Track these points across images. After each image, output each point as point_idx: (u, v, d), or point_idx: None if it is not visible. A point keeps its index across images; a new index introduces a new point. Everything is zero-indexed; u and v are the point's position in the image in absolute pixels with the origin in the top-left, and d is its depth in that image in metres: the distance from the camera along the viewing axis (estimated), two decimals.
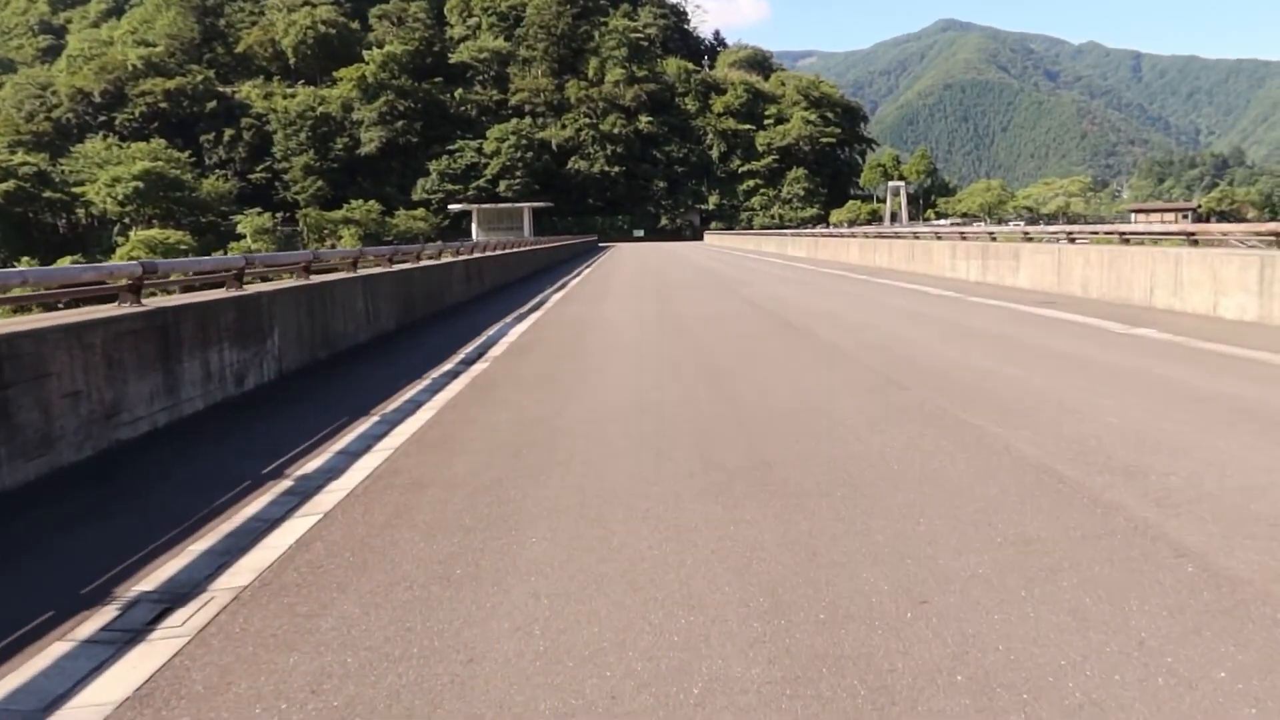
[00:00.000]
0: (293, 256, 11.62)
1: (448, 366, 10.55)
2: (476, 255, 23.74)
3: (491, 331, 14.08)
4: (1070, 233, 18.65)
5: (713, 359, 10.34)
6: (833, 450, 5.96)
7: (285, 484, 5.71)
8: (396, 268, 15.46)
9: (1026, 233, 21.11)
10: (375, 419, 7.64)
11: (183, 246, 72.40)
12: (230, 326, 8.79)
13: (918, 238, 29.14)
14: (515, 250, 30.97)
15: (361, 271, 13.56)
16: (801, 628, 3.37)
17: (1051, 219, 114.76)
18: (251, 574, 4.16)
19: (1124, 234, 16.78)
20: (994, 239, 22.06)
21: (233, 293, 9.35)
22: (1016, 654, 3.11)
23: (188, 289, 10.23)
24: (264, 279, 11.40)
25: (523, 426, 7.06)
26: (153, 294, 8.59)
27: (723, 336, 12.47)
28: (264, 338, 9.56)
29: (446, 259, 19.97)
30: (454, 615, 3.60)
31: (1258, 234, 13.89)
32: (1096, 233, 18.51)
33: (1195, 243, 14.25)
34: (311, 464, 6.19)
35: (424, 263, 17.48)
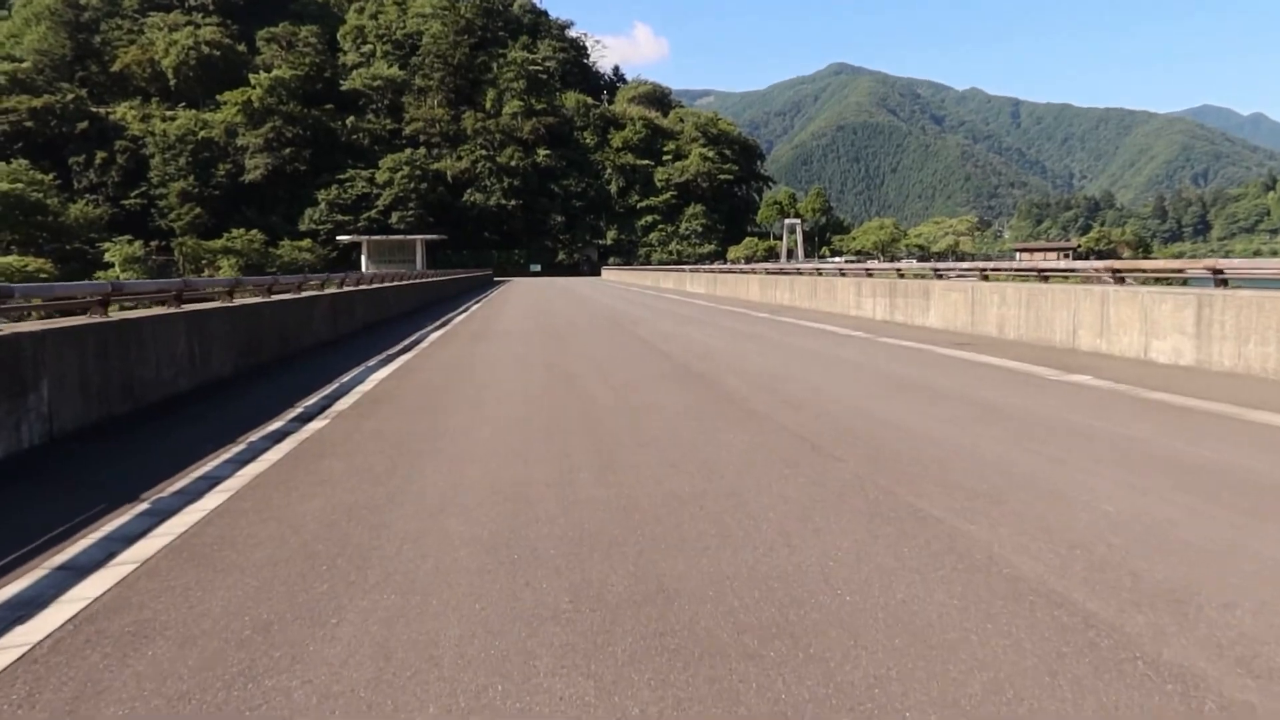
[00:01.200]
0: (81, 288, 9.43)
1: (276, 425, 8.54)
2: (348, 289, 21.52)
3: (347, 378, 12.06)
4: (983, 269, 17.68)
5: (600, 421, 8.58)
6: (756, 565, 4.28)
7: None
8: (238, 302, 13.29)
9: (937, 269, 20.12)
10: (142, 508, 5.65)
11: (43, 275, 66.92)
12: None
13: (820, 274, 28.13)
14: (396, 284, 28.69)
15: (187, 307, 11.40)
16: None
17: (942, 256, 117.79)
18: None
19: (1043, 271, 15.81)
20: (902, 276, 21.04)
21: None
22: None
23: None
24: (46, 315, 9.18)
25: (334, 522, 5.17)
26: None
27: (614, 389, 10.77)
28: (24, 391, 7.41)
29: (309, 293, 17.75)
30: None
31: (1184, 270, 12.99)
32: (1014, 270, 17.59)
33: (1122, 280, 13.25)
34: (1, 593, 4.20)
35: (277, 296, 15.28)
